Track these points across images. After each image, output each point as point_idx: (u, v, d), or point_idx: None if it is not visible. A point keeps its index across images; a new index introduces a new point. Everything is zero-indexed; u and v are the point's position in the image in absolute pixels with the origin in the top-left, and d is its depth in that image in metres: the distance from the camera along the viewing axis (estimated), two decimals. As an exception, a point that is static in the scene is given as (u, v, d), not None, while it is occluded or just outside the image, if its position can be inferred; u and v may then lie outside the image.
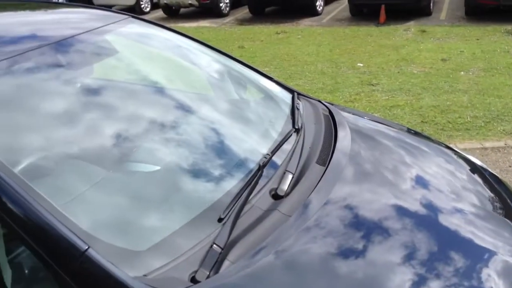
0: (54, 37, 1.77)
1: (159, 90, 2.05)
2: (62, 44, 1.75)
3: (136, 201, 1.50)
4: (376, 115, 4.43)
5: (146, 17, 12.18)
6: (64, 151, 1.67)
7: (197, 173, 1.63)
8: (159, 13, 12.46)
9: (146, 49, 2.26)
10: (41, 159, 1.57)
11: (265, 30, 9.88)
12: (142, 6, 12.77)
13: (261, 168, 1.54)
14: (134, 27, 2.14)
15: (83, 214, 1.35)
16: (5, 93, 1.56)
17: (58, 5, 2.56)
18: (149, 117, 1.84)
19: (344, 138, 1.89)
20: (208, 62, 2.36)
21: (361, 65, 6.86)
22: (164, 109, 1.93)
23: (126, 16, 2.19)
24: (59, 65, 1.76)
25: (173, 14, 12.22)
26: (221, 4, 11.63)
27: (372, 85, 5.89)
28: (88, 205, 1.43)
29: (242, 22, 11.07)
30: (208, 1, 11.42)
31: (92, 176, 1.61)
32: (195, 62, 2.36)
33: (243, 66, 2.37)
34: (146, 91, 2.03)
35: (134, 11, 12.59)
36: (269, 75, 2.39)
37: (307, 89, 5.86)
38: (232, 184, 1.54)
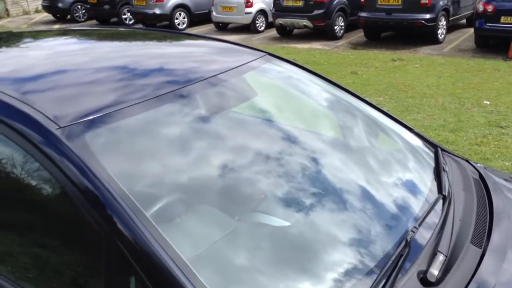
0: (189, 77, 1.72)
1: (293, 135, 1.94)
2: (198, 85, 1.69)
3: (262, 260, 1.39)
4: None
5: (260, 36, 12.55)
6: (194, 195, 1.61)
7: (329, 241, 1.47)
8: (273, 32, 12.63)
9: (282, 90, 2.17)
10: (171, 203, 1.53)
11: (380, 56, 9.55)
12: (257, 25, 13.02)
13: (408, 244, 1.35)
14: (271, 66, 2.05)
15: (213, 272, 1.26)
16: (138, 137, 1.53)
17: (184, 36, 2.51)
18: (279, 162, 1.74)
19: (502, 211, 1.62)
20: (340, 104, 2.22)
21: (488, 103, 6.30)
22: (296, 154, 1.82)
23: (263, 54, 2.11)
24: (195, 108, 1.71)
25: (286, 34, 12.31)
26: (335, 27, 11.49)
27: (501, 127, 5.35)
28: (216, 261, 1.34)
29: (356, 46, 10.82)
30: (323, 24, 11.33)
31: (221, 226, 1.53)
32: (327, 103, 2.23)
33: (378, 112, 2.18)
34: (279, 135, 1.93)
35: (249, 30, 12.91)
36: (407, 124, 2.18)
37: (426, 125, 5.48)
38: (372, 260, 1.36)
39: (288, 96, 2.18)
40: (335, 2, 11.40)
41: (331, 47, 10.89)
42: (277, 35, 12.36)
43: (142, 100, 1.51)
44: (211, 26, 13.91)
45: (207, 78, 1.72)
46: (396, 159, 1.98)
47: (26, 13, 19.05)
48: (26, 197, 1.48)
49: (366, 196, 1.68)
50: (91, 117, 1.39)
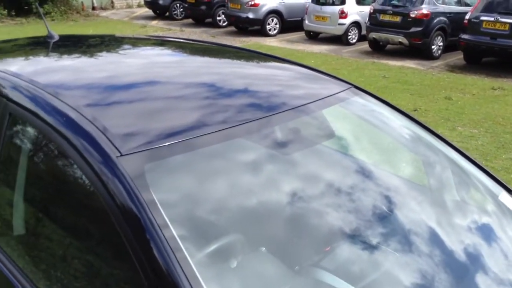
0: (269, 107, 1.58)
1: (375, 180, 1.74)
2: (278, 117, 1.55)
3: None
4: None
5: (350, 48, 12.22)
6: (252, 237, 1.48)
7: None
8: (364, 46, 12.25)
9: (368, 128, 1.97)
10: (227, 246, 1.40)
11: (479, 83, 8.87)
12: (349, 37, 12.70)
13: None
14: (358, 100, 1.86)
15: None
16: (203, 172, 1.41)
17: (267, 58, 2.36)
18: (355, 212, 1.55)
19: None
20: (429, 148, 1.97)
21: None
22: (376, 205, 1.62)
23: (348, 86, 1.93)
24: (271, 142, 1.57)
25: (378, 49, 11.88)
26: (433, 47, 10.88)
27: None
28: None
29: (453, 69, 10.17)
30: (419, 42, 10.79)
31: (277, 279, 1.38)
32: (415, 147, 1.99)
33: (471, 164, 1.91)
34: (358, 178, 1.74)
35: (340, 41, 12.63)
36: (504, 182, 1.88)
37: (525, 168, 4.95)
38: None
39: (374, 136, 1.97)
40: (435, 21, 10.81)
41: (425, 67, 10.33)
42: (369, 49, 11.96)
43: (213, 130, 1.39)
44: (301, 34, 13.79)
45: (288, 110, 1.57)
46: (489, 218, 1.71)
47: (129, 6, 20.13)
48: (75, 221, 1.42)
49: (461, 265, 1.46)
50: (157, 146, 1.30)
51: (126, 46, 2.50)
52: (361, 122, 1.92)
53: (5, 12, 15.33)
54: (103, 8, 19.04)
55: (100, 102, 1.52)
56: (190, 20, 16.38)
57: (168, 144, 1.31)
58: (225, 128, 1.41)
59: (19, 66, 1.94)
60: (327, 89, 1.84)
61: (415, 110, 7.07)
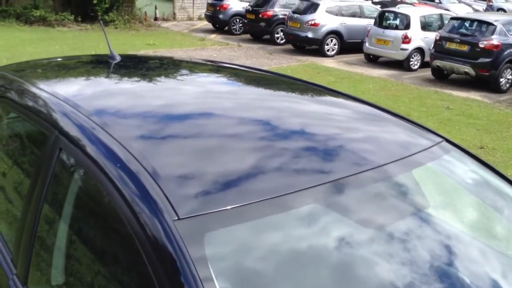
0: (337, 166, 1.34)
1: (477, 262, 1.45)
2: (349, 180, 1.30)
3: None
4: None
5: (411, 74, 11.74)
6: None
7: None
8: (427, 73, 11.74)
9: (467, 198, 1.68)
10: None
11: (552, 122, 8.23)
12: (411, 63, 12.24)
13: None
14: (450, 160, 1.58)
15: None
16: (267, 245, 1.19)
17: (330, 92, 2.10)
18: None
19: None
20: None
21: None
22: None
23: (439, 139, 1.65)
24: (342, 216, 1.33)
25: (442, 77, 11.36)
26: (501, 79, 10.26)
27: None
28: None
29: (523, 104, 9.53)
30: (487, 73, 10.20)
31: None
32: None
33: None
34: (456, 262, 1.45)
35: (401, 66, 12.19)
36: None
37: None
38: None
39: (476, 208, 1.67)
40: (505, 53, 10.20)
41: (492, 100, 9.74)
42: (432, 76, 11.46)
43: (283, 193, 1.18)
44: (360, 57, 13.45)
45: (360, 172, 1.32)
46: None
47: (190, 19, 20.45)
48: (117, 279, 1.24)
49: None
50: (221, 209, 1.10)
51: (183, 72, 2.39)
52: (458, 190, 1.62)
53: (72, 17, 15.89)
54: (164, 19, 19.44)
55: (155, 142, 1.35)
56: (248, 36, 16.39)
57: (233, 208, 1.10)
58: (296, 191, 1.19)
59: (73, 90, 1.81)
60: (413, 142, 1.58)
61: (481, 148, 6.60)
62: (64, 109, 1.53)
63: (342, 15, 13.90)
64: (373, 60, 13.19)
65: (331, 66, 12.25)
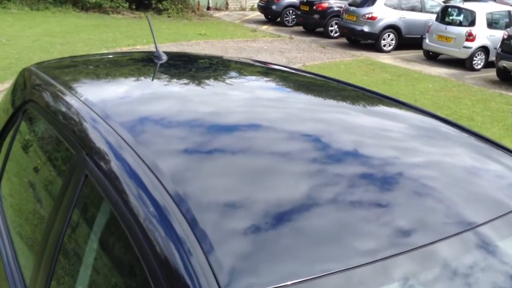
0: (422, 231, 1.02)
1: None
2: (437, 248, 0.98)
3: None
4: None
5: (474, 74, 11.00)
6: None
7: None
8: (491, 73, 10.97)
9: None
10: None
11: None
12: (474, 62, 11.48)
13: None
14: None
15: None
16: None
17: (390, 102, 1.83)
18: None
19: None
20: None
21: None
22: None
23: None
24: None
25: (508, 79, 10.57)
26: None
27: None
28: None
29: None
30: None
31: None
32: None
33: None
34: None
35: (463, 65, 11.48)
36: None
37: None
38: None
39: None
40: None
41: None
42: (496, 78, 10.69)
43: (364, 262, 0.88)
44: (419, 53, 12.77)
45: (449, 236, 1.00)
46: None
47: (242, 9, 20.23)
48: None
49: None
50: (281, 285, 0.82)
51: (231, 74, 2.16)
52: None
53: (126, 5, 15.98)
54: (217, 9, 19.31)
55: (199, 176, 1.08)
56: (300, 28, 15.97)
57: (293, 284, 0.82)
58: (381, 259, 0.90)
59: (110, 100, 1.57)
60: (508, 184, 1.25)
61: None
62: (95, 124, 1.29)
63: (402, 8, 13.24)
64: (432, 57, 12.49)
65: (387, 63, 11.68)
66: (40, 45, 9.85)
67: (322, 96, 1.88)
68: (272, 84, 2.05)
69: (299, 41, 13.65)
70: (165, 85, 1.84)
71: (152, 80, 1.92)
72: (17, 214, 1.65)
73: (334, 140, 1.35)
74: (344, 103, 1.81)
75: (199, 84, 1.88)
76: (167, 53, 2.17)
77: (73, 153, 1.30)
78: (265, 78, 2.13)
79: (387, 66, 11.18)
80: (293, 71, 2.29)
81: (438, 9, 13.03)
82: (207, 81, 1.95)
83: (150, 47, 10.78)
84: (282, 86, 2.02)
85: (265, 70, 2.29)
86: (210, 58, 2.52)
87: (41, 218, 1.45)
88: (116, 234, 1.08)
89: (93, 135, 1.26)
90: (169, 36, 12.20)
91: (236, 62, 2.42)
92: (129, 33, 12.33)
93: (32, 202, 1.57)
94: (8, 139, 1.84)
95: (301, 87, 2.01)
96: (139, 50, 8.96)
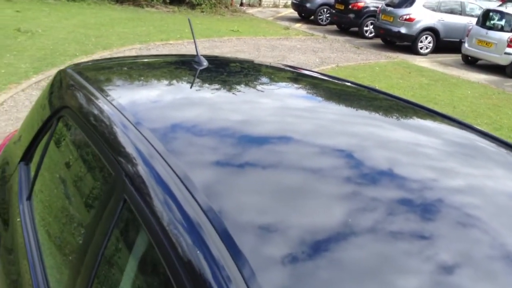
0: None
1: None
2: None
3: None
4: None
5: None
6: None
7: None
8: (533, 81, 10.54)
9: None
10: None
11: None
12: (516, 69, 11.05)
13: None
14: None
15: None
16: None
17: (431, 114, 1.74)
18: None
19: None
20: None
21: None
22: None
23: None
24: None
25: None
26: None
27: None
28: None
29: None
30: None
31: None
32: None
33: None
34: None
35: (503, 72, 11.05)
36: None
37: None
38: None
39: None
40: None
41: None
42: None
43: None
44: (457, 57, 12.38)
45: None
46: None
47: (275, 6, 20.05)
48: None
49: None
50: None
51: (274, 83, 2.07)
52: None
53: (161, -1, 16.05)
54: (250, 5, 19.18)
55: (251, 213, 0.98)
56: (334, 27, 15.71)
57: None
58: None
59: (151, 111, 1.46)
60: None
61: None
62: (136, 141, 1.18)
63: (441, 11, 12.84)
64: (471, 62, 12.08)
65: (424, 66, 11.35)
66: (75, 37, 9.91)
67: (362, 108, 1.78)
68: (315, 96, 1.94)
69: (332, 41, 13.40)
70: (204, 94, 1.72)
71: (191, 87, 1.80)
72: (50, 228, 1.56)
73: (370, 158, 1.26)
74: (382, 115, 1.72)
75: (240, 93, 1.76)
76: (208, 58, 2.06)
77: (111, 172, 1.19)
78: (311, 89, 2.00)
79: (424, 70, 10.86)
80: (342, 82, 2.18)
81: (478, 12, 12.60)
82: (247, 90, 1.83)
83: (184, 42, 10.74)
84: (325, 97, 1.91)
85: (312, 80, 2.17)
86: (254, 65, 2.39)
87: (75, 239, 1.35)
88: (154, 263, 0.98)
89: (133, 155, 1.15)
90: (202, 32, 12.14)
91: (280, 69, 2.30)
92: (163, 28, 12.32)
93: (66, 218, 1.48)
94: (41, 146, 1.75)
95: (348, 98, 1.92)
96: (178, 54, 8.90)
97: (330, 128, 1.44)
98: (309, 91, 1.97)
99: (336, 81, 2.14)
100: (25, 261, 1.47)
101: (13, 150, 2.05)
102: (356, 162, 1.21)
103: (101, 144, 1.28)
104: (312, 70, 2.42)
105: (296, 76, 2.20)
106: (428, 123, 1.67)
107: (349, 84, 2.09)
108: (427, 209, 1.05)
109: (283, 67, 2.35)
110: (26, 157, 1.85)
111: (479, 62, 12.01)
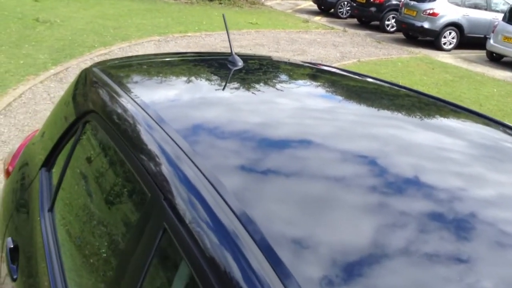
0: None
1: None
2: None
3: None
4: None
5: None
6: None
7: None
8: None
9: None
10: None
11: None
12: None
13: None
14: None
15: None
16: None
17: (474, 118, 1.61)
18: None
19: None
20: None
21: None
22: None
23: None
24: None
25: None
26: None
27: None
28: None
29: None
30: None
31: None
32: None
33: None
34: None
35: (530, 70, 10.72)
36: None
37: None
38: None
39: None
40: None
41: None
42: None
43: None
44: (481, 54, 12.04)
45: None
46: None
47: (294, -2, 19.79)
48: None
49: None
50: None
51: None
52: None
53: (179, -10, 15.87)
54: (268, -3, 18.94)
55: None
56: (354, 20, 15.41)
57: None
58: None
59: (188, 120, 1.30)
60: None
61: None
62: (177, 158, 1.03)
63: (465, 6, 12.49)
64: (496, 59, 11.74)
65: (448, 62, 11.05)
66: (93, 27, 9.82)
67: (394, 108, 1.67)
68: (358, 99, 1.78)
69: (353, 35, 13.13)
70: (239, 98, 1.57)
71: (225, 90, 1.64)
72: (74, 250, 1.41)
73: (400, 165, 1.15)
74: (414, 115, 1.59)
75: (275, 96, 1.61)
76: (243, 57, 1.91)
77: (147, 193, 1.05)
78: (352, 92, 1.86)
79: (447, 66, 10.57)
80: (357, 76, 2.07)
81: (503, 7, 12.23)
82: (282, 93, 1.67)
83: (202, 35, 10.59)
84: (362, 99, 1.77)
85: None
86: (292, 65, 2.23)
87: (106, 268, 1.21)
88: None
89: (175, 175, 1.00)
90: (221, 24, 11.96)
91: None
92: (181, 19, 12.18)
93: (93, 242, 1.33)
94: (65, 152, 1.61)
95: (354, 94, 1.83)
96: (210, 51, 8.77)
97: (370, 132, 1.34)
98: (350, 94, 1.84)
99: (363, 78, 2.02)
100: (46, 282, 1.34)
101: (33, 152, 1.92)
102: (388, 170, 1.11)
103: (136, 163, 1.13)
104: (337, 67, 2.29)
105: (335, 77, 2.04)
106: (466, 124, 1.54)
107: (387, 84, 1.95)
108: (464, 226, 0.93)
109: (318, 66, 2.19)
110: (48, 163, 1.72)
111: (504, 59, 11.67)
